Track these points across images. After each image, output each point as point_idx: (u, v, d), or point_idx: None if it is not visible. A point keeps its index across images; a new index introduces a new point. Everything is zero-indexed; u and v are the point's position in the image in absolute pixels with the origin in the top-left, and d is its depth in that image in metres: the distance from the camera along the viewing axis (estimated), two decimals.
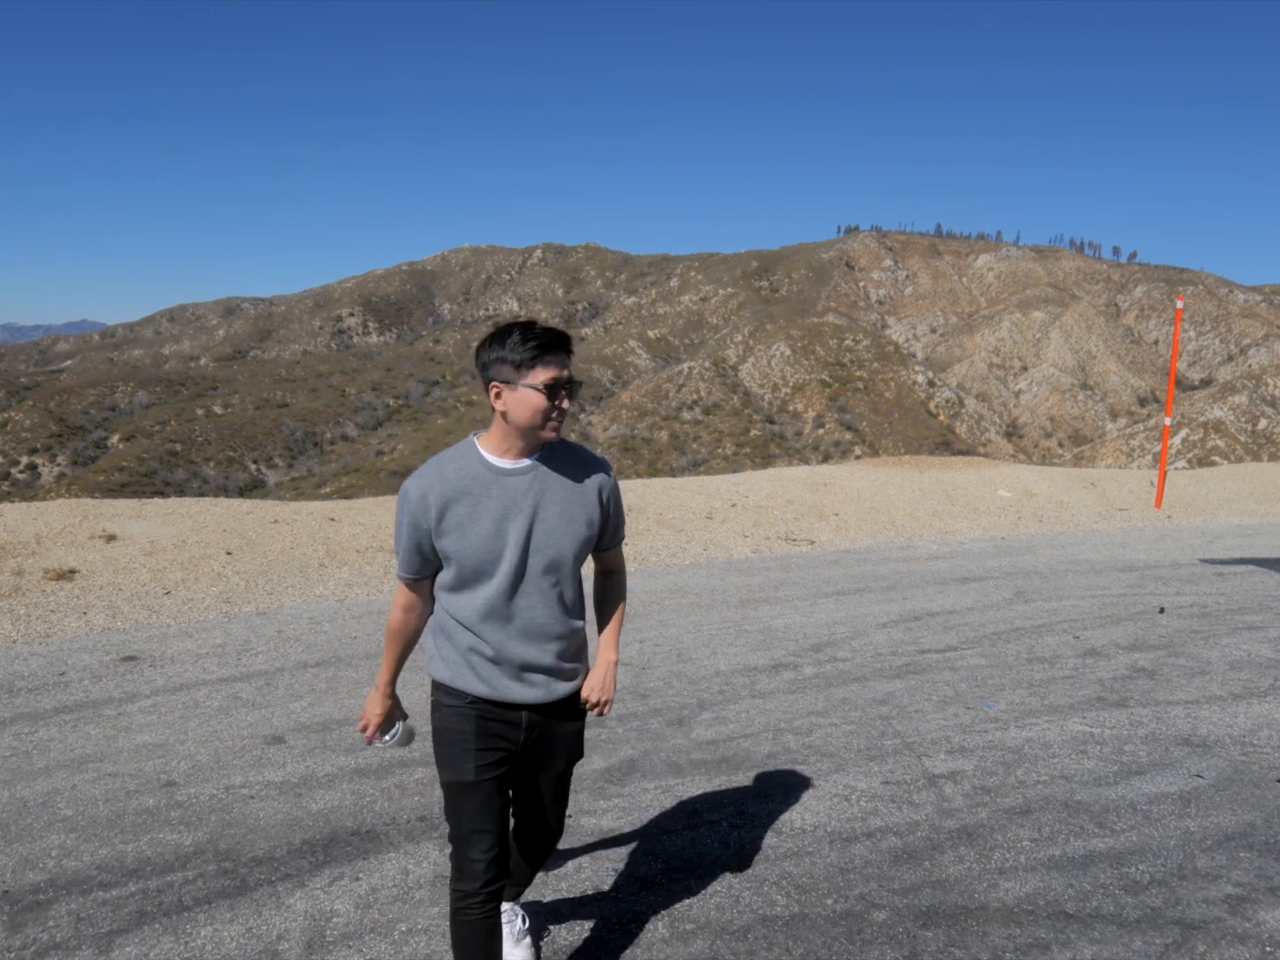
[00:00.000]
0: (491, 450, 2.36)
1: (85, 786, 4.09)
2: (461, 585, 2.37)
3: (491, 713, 2.42)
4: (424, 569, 2.42)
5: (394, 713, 2.60)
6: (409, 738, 2.65)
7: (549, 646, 2.42)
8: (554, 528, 2.36)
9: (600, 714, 2.53)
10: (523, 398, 2.27)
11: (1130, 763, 4.40)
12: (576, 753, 2.63)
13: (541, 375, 2.27)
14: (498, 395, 2.30)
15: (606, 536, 2.53)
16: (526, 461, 2.36)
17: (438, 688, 2.48)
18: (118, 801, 3.94)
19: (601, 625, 2.66)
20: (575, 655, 2.51)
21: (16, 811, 3.85)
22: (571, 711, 2.56)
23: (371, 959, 2.88)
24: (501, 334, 2.30)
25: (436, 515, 2.31)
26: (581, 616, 2.50)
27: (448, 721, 2.43)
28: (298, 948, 2.93)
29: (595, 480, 2.45)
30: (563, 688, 2.48)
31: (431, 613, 2.53)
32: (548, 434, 2.32)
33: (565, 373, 2.30)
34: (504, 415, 2.32)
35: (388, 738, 2.59)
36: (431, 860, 3.46)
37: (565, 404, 2.31)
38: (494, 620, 2.37)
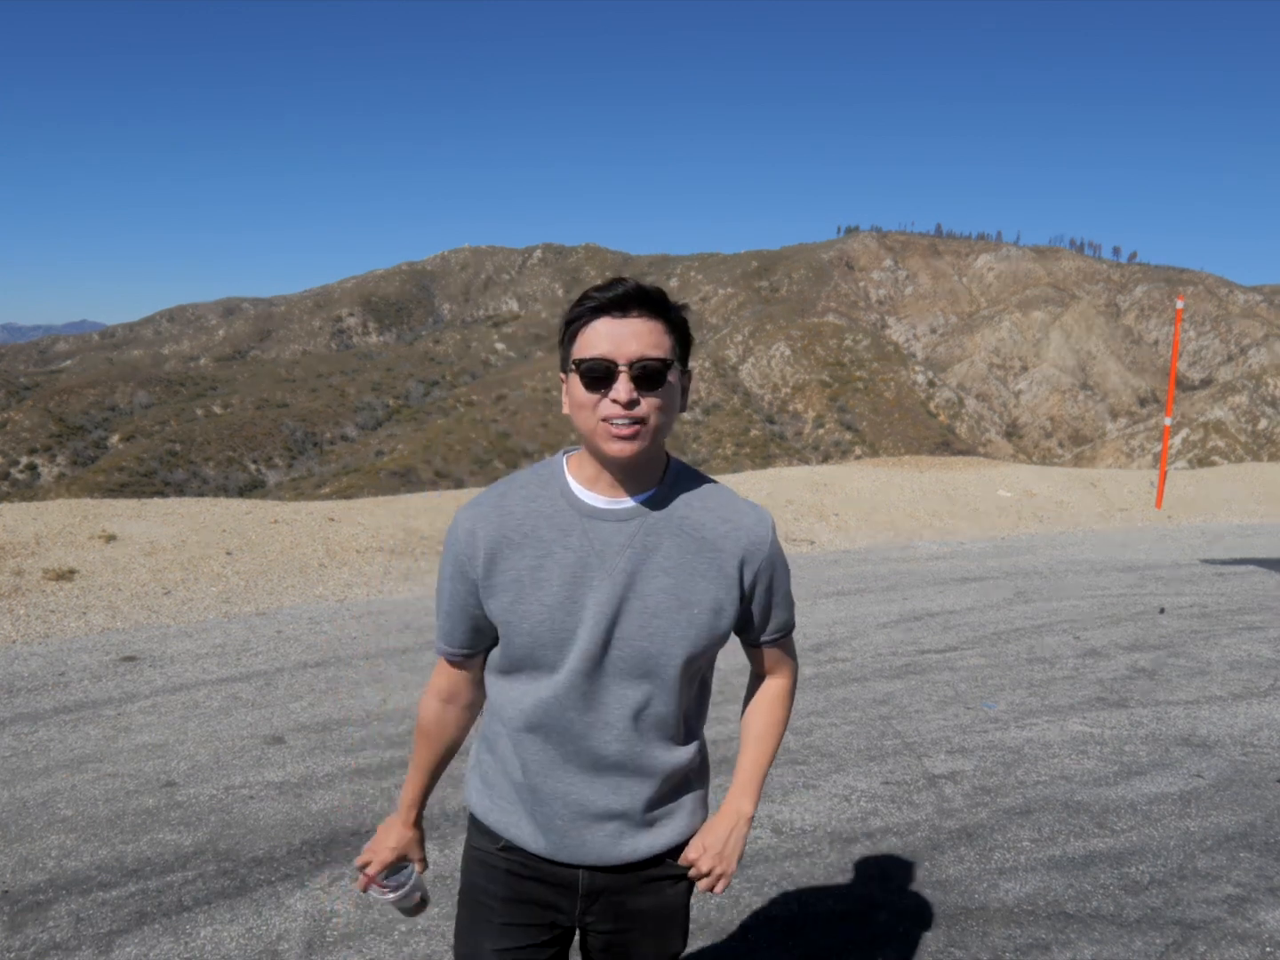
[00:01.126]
0: (582, 478, 1.55)
1: (85, 787, 4.09)
2: (512, 669, 1.59)
3: (532, 868, 1.64)
4: (474, 641, 1.62)
5: (412, 851, 1.77)
6: (419, 900, 1.81)
7: (628, 786, 1.59)
8: (657, 609, 1.52)
9: (713, 889, 1.65)
10: (569, 389, 1.50)
11: (1130, 763, 4.40)
12: (673, 944, 1.71)
13: (584, 349, 1.46)
14: (565, 391, 1.54)
15: (753, 628, 1.65)
16: (629, 502, 1.53)
17: (470, 821, 1.73)
18: (117, 802, 3.94)
19: (744, 754, 1.72)
20: (674, 793, 1.65)
21: (16, 811, 3.84)
22: (664, 877, 1.66)
23: (371, 959, 2.88)
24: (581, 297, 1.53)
25: (485, 563, 1.53)
26: (693, 739, 1.65)
27: (470, 873, 1.71)
28: (298, 948, 2.93)
29: (739, 541, 1.56)
30: (647, 842, 1.62)
31: (483, 707, 1.74)
32: (611, 449, 1.46)
33: (628, 349, 1.44)
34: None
35: (390, 887, 1.75)
36: (431, 860, 3.46)
37: (622, 396, 1.43)
38: (545, 734, 1.57)
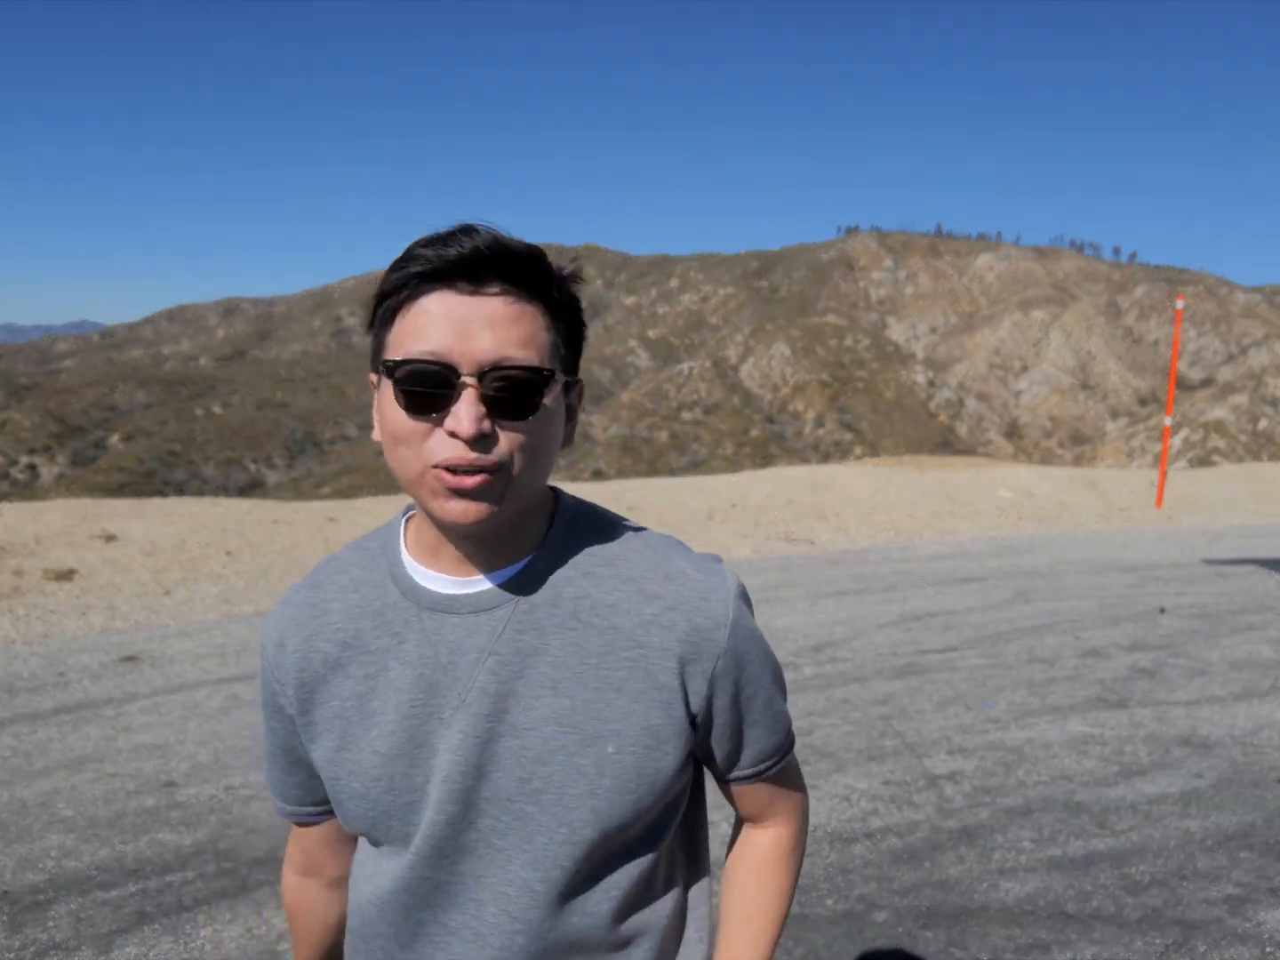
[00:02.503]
0: (421, 550, 0.98)
1: (85, 787, 4.09)
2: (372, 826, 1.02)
3: None
4: (314, 794, 1.09)
5: None
6: None
7: None
8: (545, 750, 0.94)
9: None
10: (380, 406, 0.91)
11: (1131, 763, 4.40)
12: None
13: (404, 340, 0.87)
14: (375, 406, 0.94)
15: (719, 761, 1.04)
16: (487, 582, 0.95)
17: None
18: (117, 802, 3.94)
19: (725, 940, 1.15)
20: None
21: (16, 812, 3.84)
22: None
23: None
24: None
25: (298, 691, 1.00)
26: (670, 888, 1.09)
27: None
28: None
29: (675, 628, 0.96)
30: None
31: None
32: (446, 511, 0.87)
33: (478, 346, 0.85)
34: None
35: None
36: None
37: (465, 427, 0.84)
38: (410, 913, 1.01)
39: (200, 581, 8.05)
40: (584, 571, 0.97)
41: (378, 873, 1.03)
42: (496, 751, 0.94)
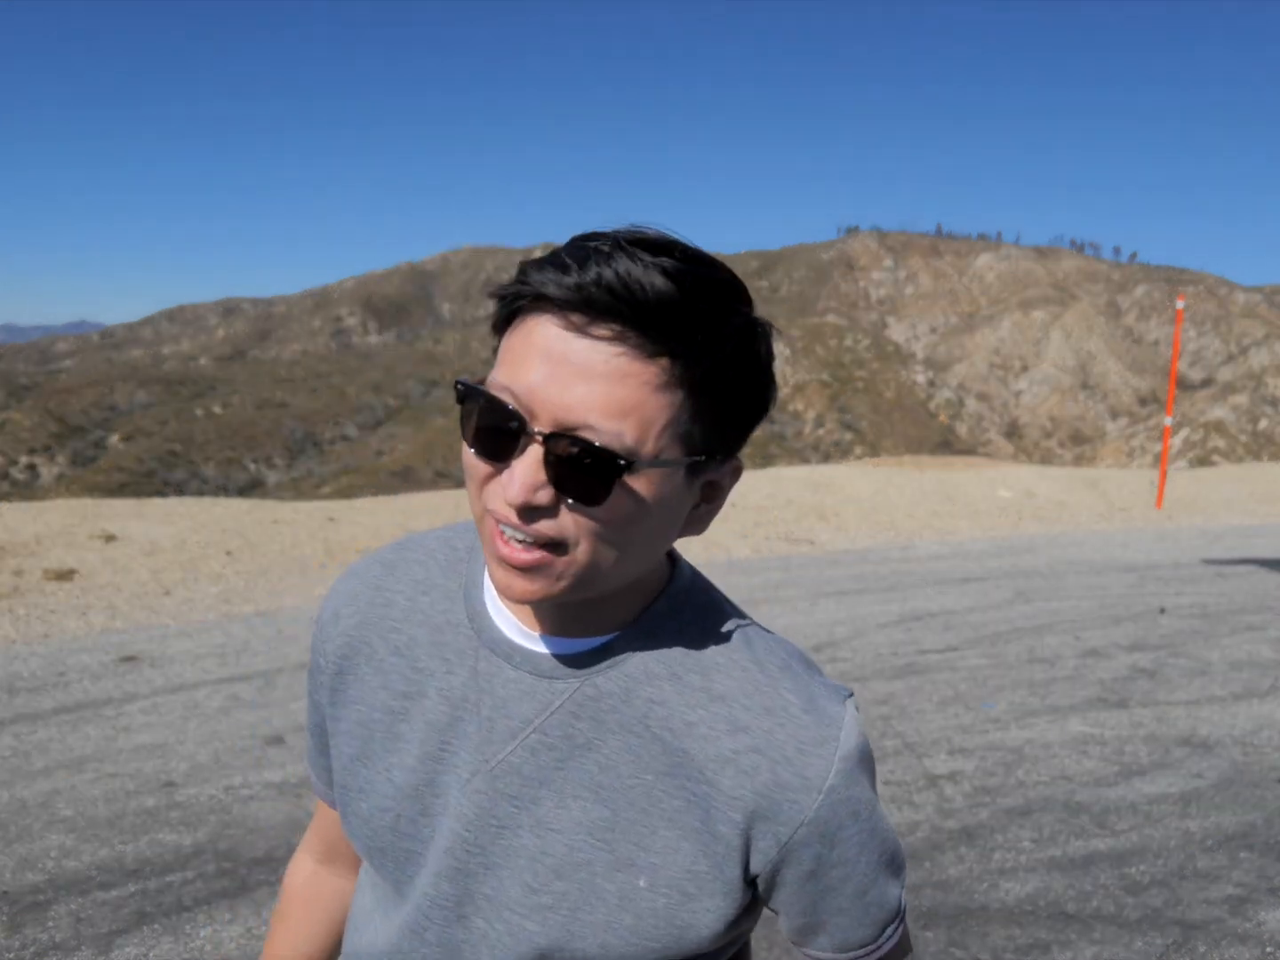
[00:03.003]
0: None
1: (85, 787, 4.09)
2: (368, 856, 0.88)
3: None
4: None
5: None
6: None
7: None
8: (565, 860, 0.78)
9: None
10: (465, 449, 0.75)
11: (1131, 763, 4.40)
12: None
13: (498, 365, 0.72)
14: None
15: (791, 929, 0.83)
16: (565, 644, 0.80)
17: None
18: (117, 802, 3.94)
19: None
20: None
21: (16, 812, 3.84)
22: None
23: None
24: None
25: (333, 675, 0.89)
26: None
27: None
28: None
29: (752, 777, 0.76)
30: None
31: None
32: (496, 575, 0.73)
33: (557, 399, 0.67)
34: None
35: None
36: None
37: (515, 494, 0.68)
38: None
39: (200, 581, 8.05)
40: (671, 672, 0.79)
41: (372, 925, 0.89)
42: (512, 846, 0.79)
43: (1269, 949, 2.95)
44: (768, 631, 0.85)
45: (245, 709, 5.12)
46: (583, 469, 0.67)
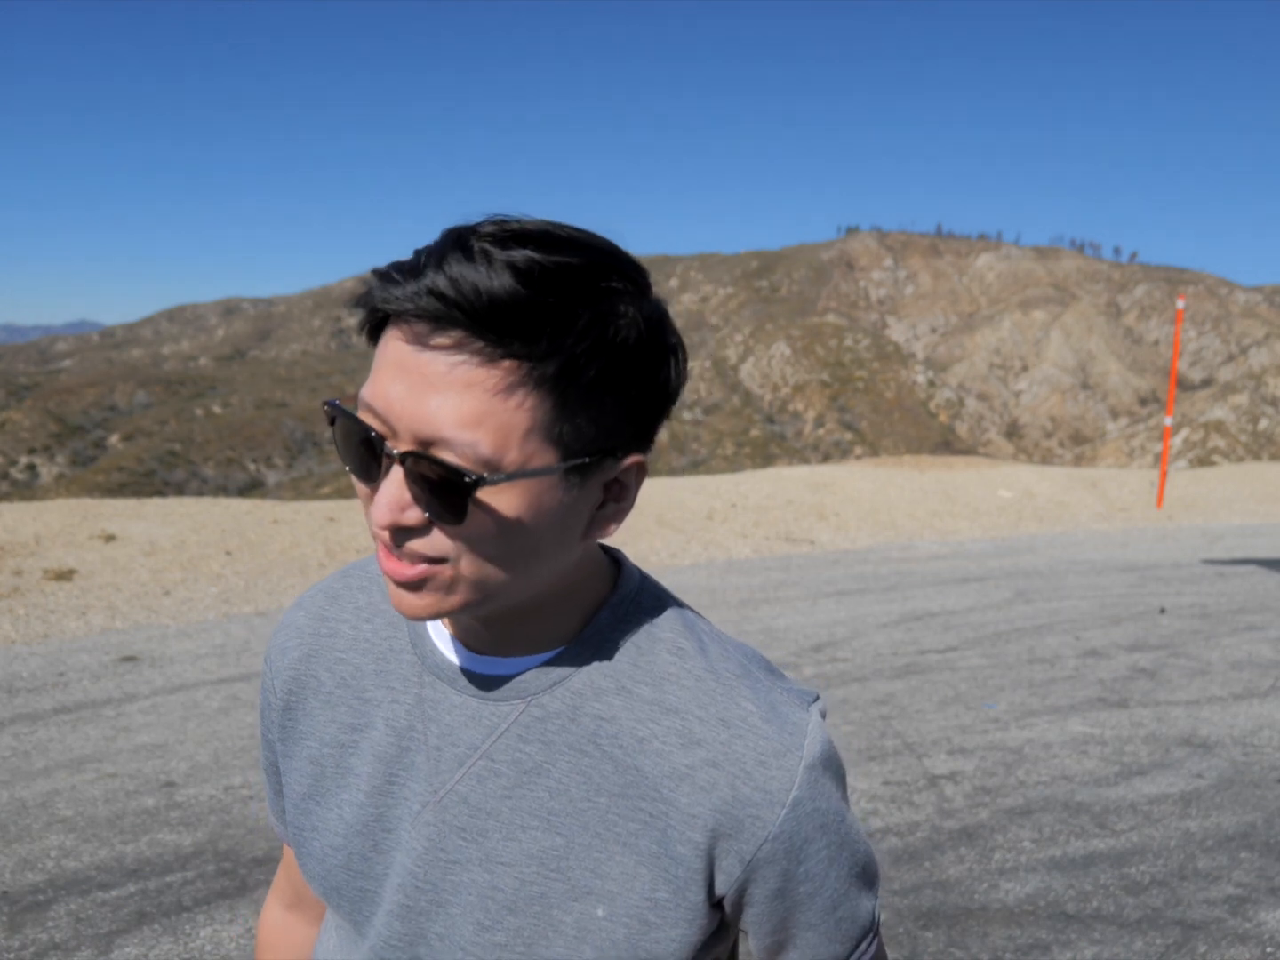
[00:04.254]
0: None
1: (85, 787, 4.09)
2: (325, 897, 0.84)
3: None
4: None
5: None
6: None
7: None
8: (517, 894, 0.73)
9: None
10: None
11: (1131, 763, 4.40)
12: None
13: (363, 395, 0.67)
14: None
15: (760, 948, 0.78)
16: (506, 664, 0.76)
17: None
18: (117, 802, 3.94)
19: None
20: None
21: (16, 812, 3.84)
22: None
23: None
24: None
25: (282, 711, 0.86)
26: None
27: None
28: None
29: (711, 793, 0.71)
30: None
31: None
32: (391, 593, 0.69)
33: (411, 412, 0.63)
34: None
35: None
36: None
37: (382, 515, 0.65)
38: None
39: (200, 581, 8.04)
40: (619, 686, 0.75)
41: (340, 947, 0.85)
42: (461, 882, 0.75)
43: (1269, 949, 2.95)
44: (726, 637, 0.80)
45: (245, 709, 5.12)
46: (440, 487, 0.63)
